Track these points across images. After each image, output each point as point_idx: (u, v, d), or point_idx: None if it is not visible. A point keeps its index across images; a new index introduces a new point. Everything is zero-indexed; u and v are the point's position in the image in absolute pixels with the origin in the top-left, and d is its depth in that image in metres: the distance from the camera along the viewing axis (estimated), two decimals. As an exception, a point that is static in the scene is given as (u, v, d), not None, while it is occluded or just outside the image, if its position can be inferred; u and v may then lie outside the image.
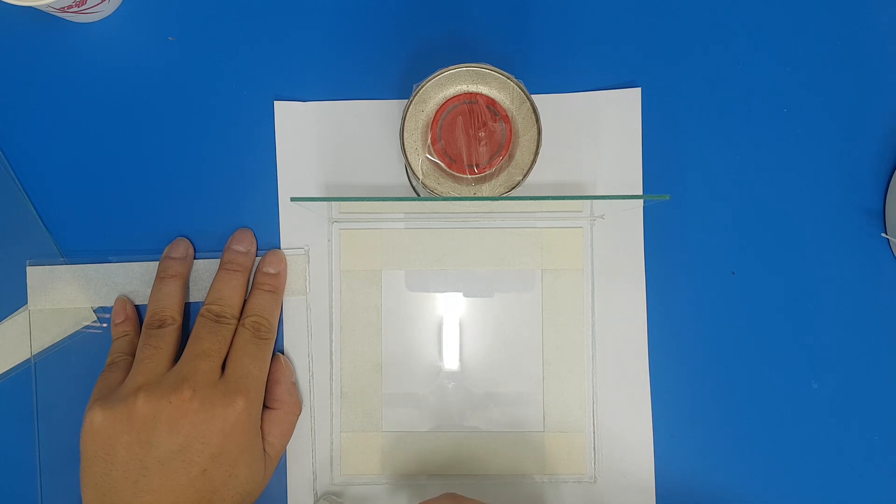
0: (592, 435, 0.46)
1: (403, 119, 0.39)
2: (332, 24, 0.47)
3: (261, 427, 0.43)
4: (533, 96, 0.39)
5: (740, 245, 0.47)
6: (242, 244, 0.46)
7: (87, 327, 0.46)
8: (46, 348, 0.46)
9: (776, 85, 0.48)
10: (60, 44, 0.47)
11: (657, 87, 0.47)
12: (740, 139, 0.47)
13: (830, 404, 0.47)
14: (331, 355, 0.47)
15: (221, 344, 0.42)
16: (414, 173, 0.39)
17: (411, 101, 0.39)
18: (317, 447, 0.46)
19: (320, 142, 0.47)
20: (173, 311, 0.44)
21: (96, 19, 0.47)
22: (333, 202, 0.42)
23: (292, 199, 0.38)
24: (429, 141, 0.39)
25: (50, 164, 0.47)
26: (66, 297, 0.46)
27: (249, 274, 0.46)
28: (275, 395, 0.44)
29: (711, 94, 0.48)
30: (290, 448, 0.46)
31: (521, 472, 0.46)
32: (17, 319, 0.46)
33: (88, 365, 0.46)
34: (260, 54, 0.47)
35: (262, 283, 0.45)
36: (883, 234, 0.47)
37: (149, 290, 0.45)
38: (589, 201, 0.45)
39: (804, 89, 0.48)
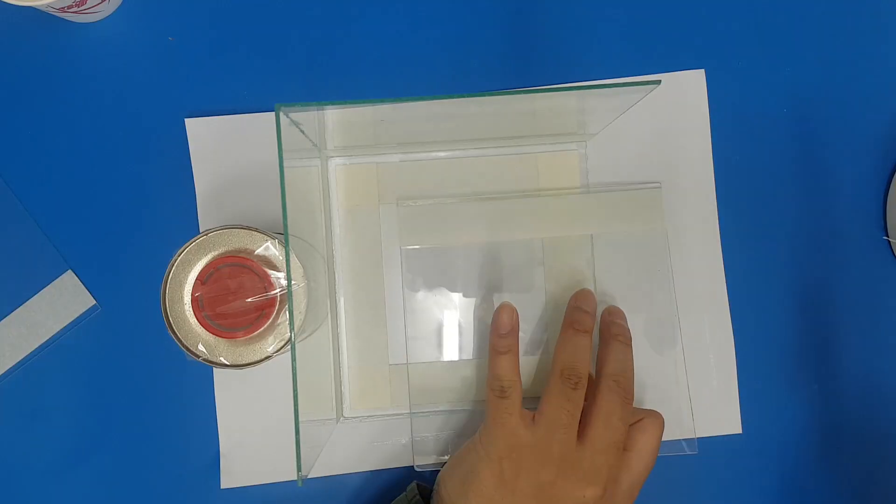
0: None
1: (165, 287, 0.38)
2: (333, 24, 0.47)
3: None
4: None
5: (740, 245, 0.47)
6: (587, 304, 0.43)
7: (87, 312, 0.46)
8: (45, 341, 0.46)
9: (776, 85, 0.48)
10: (60, 44, 0.47)
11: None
12: (740, 139, 0.47)
13: (831, 405, 0.47)
14: (336, 314, 0.46)
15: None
16: (191, 351, 0.38)
17: (170, 271, 0.38)
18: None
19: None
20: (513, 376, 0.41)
21: (96, 19, 0.47)
22: (324, 108, 0.39)
23: (280, 105, 0.33)
24: (193, 308, 0.37)
25: (49, 164, 0.47)
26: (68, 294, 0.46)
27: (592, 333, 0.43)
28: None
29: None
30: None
31: None
32: (17, 317, 0.46)
33: (88, 365, 0.46)
34: (261, 54, 0.47)
35: (616, 334, 0.42)
36: (884, 237, 0.47)
37: None
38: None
39: (804, 89, 0.48)
